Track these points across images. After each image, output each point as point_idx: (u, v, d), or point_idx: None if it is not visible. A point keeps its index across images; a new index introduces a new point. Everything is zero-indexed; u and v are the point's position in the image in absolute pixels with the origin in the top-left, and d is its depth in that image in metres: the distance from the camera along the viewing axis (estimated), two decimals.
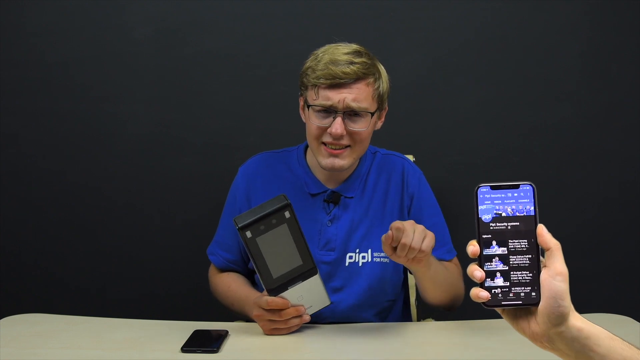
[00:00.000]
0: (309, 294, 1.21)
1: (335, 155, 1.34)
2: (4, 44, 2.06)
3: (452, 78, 2.03)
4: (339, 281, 1.40)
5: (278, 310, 1.21)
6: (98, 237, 2.12)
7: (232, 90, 2.06)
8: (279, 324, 1.23)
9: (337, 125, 1.30)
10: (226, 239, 1.50)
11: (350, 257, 1.40)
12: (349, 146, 1.34)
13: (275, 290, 1.18)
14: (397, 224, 1.17)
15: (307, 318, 1.25)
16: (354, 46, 1.36)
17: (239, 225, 1.12)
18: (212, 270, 1.54)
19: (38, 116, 2.09)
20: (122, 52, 2.06)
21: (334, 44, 1.36)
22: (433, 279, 1.33)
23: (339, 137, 1.31)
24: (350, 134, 1.33)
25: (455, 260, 1.50)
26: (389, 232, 1.17)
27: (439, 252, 1.47)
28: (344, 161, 1.35)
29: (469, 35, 2.01)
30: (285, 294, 1.19)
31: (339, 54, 1.32)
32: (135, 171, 2.09)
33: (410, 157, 1.74)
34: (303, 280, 1.18)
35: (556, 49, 2.00)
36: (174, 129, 2.08)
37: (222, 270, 1.52)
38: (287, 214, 1.13)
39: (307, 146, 1.48)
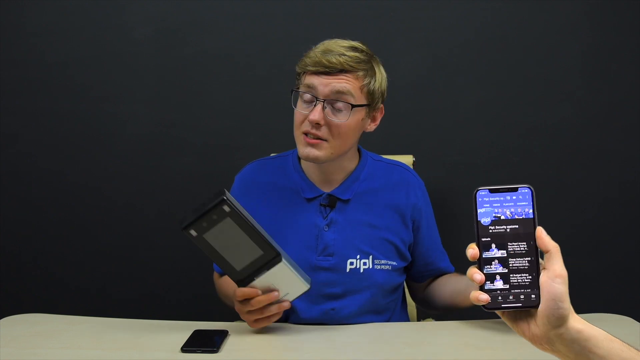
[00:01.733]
0: (281, 282, 1.19)
1: (312, 145, 1.31)
2: (4, 44, 2.07)
3: (452, 78, 2.03)
4: (341, 288, 1.38)
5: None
6: (98, 237, 2.12)
7: (232, 90, 2.06)
8: (255, 314, 1.22)
9: (315, 112, 1.28)
10: None
11: (351, 264, 1.38)
12: (326, 140, 1.32)
13: (243, 282, 1.18)
14: None
15: (286, 305, 1.22)
16: (355, 43, 1.35)
17: (181, 226, 1.12)
18: (216, 276, 1.54)
19: (38, 116, 2.09)
20: (122, 52, 2.06)
21: (335, 39, 1.36)
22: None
23: (316, 124, 1.29)
24: (329, 126, 1.30)
25: None
26: None
27: (443, 264, 1.49)
28: (320, 152, 1.32)
29: (469, 35, 2.01)
30: (253, 284, 1.18)
31: (334, 46, 1.32)
32: (135, 171, 2.10)
33: (410, 157, 1.73)
34: (268, 269, 1.17)
35: (556, 49, 2.01)
36: (174, 129, 2.08)
37: (222, 275, 1.51)
38: (226, 208, 1.11)
39: None
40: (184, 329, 1.25)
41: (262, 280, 1.18)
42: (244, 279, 1.18)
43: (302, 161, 1.45)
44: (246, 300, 1.20)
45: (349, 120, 1.31)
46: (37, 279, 2.15)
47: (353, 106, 1.31)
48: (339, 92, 1.29)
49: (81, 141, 2.09)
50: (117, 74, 2.07)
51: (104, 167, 2.10)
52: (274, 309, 1.22)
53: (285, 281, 1.20)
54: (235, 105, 2.06)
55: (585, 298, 2.06)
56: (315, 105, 1.30)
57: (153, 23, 2.04)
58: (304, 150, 1.33)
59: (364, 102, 1.33)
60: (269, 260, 1.16)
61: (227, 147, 2.07)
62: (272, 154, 1.62)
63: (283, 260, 1.16)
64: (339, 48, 1.31)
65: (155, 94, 2.07)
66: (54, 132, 2.10)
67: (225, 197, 1.11)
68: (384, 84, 1.38)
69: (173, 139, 2.08)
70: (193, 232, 1.12)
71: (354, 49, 1.33)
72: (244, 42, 2.04)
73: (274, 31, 2.02)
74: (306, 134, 1.32)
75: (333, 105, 1.30)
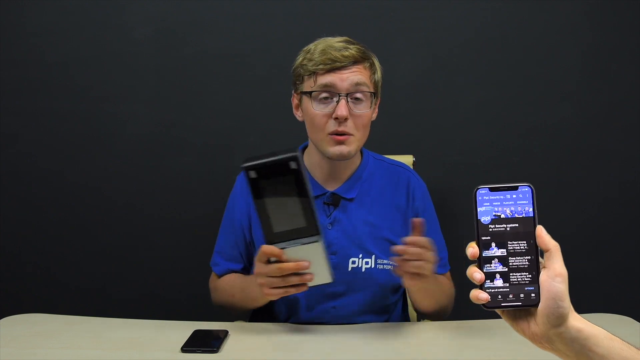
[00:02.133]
0: (310, 262, 1.15)
1: (342, 142, 1.33)
2: (4, 44, 2.07)
3: (452, 78, 2.03)
4: (342, 286, 1.38)
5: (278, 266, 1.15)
6: (98, 237, 2.12)
7: (232, 90, 2.06)
8: (276, 280, 1.16)
9: (342, 108, 1.30)
10: (228, 249, 1.48)
11: (353, 262, 1.38)
12: (352, 135, 1.33)
13: (272, 242, 1.13)
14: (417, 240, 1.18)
15: (305, 286, 1.17)
16: (345, 37, 1.37)
17: (245, 165, 1.09)
18: (213, 279, 1.52)
19: (38, 116, 2.09)
20: (122, 52, 2.06)
21: (323, 38, 1.38)
22: (425, 291, 1.33)
23: (345, 120, 1.31)
24: (354, 119, 1.32)
25: (448, 274, 1.50)
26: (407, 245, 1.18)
27: (438, 269, 1.45)
28: (350, 147, 1.34)
29: (469, 35, 2.01)
30: (283, 252, 1.14)
31: (332, 42, 1.35)
32: (135, 171, 2.10)
33: (410, 157, 1.73)
34: (303, 244, 1.13)
35: (556, 49, 2.00)
36: (174, 129, 2.08)
37: (221, 275, 1.50)
38: (292, 165, 1.09)
39: (303, 149, 1.47)
40: (184, 329, 1.26)
41: (292, 251, 1.14)
42: (275, 242, 1.13)
43: (305, 159, 1.45)
44: (267, 262, 1.15)
45: (370, 110, 1.35)
46: (37, 279, 2.14)
47: (373, 95, 1.34)
48: (358, 84, 1.32)
49: (81, 141, 2.09)
50: (117, 74, 2.07)
51: (104, 167, 2.10)
52: (294, 280, 1.16)
53: (314, 264, 1.15)
54: (235, 105, 2.06)
55: (585, 298, 2.05)
56: (338, 102, 1.31)
57: (153, 23, 2.04)
58: (334, 149, 1.34)
59: (373, 91, 1.36)
60: (308, 236, 1.12)
61: (227, 147, 2.07)
62: None
63: (321, 241, 1.13)
64: (339, 44, 1.34)
65: (155, 94, 2.07)
66: (54, 132, 2.10)
67: (297, 155, 1.09)
68: (381, 73, 1.41)
69: (173, 139, 2.08)
70: (253, 174, 1.09)
71: (350, 42, 1.36)
72: (244, 42, 2.04)
73: (274, 31, 2.02)
74: (334, 134, 1.32)
75: (353, 98, 1.33)
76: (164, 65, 2.06)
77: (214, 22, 2.04)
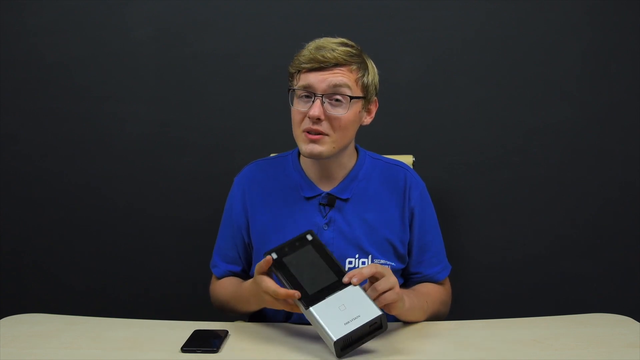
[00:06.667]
0: (352, 304, 1.17)
1: (314, 141, 1.32)
2: (4, 44, 2.07)
3: (452, 78, 2.03)
4: None
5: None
6: (98, 237, 2.13)
7: (232, 90, 2.06)
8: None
9: (315, 108, 1.30)
10: (226, 250, 1.48)
11: (350, 262, 1.38)
12: (327, 135, 1.33)
13: (312, 302, 1.17)
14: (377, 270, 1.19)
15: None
16: (343, 39, 1.37)
17: (266, 251, 1.22)
18: (213, 282, 1.53)
19: (38, 116, 2.09)
20: (122, 52, 2.06)
21: (324, 37, 1.38)
22: (408, 315, 1.33)
23: (317, 119, 1.30)
24: (330, 120, 1.32)
25: (446, 280, 1.48)
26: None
27: (431, 271, 1.45)
28: (323, 147, 1.33)
29: (469, 35, 2.01)
30: (322, 303, 1.17)
31: (325, 42, 1.35)
32: (135, 171, 2.10)
33: (410, 157, 1.73)
34: (340, 290, 1.18)
35: (556, 49, 2.01)
36: (174, 129, 2.08)
37: (220, 278, 1.51)
38: (309, 237, 1.22)
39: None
40: (184, 329, 1.26)
41: (332, 300, 1.17)
42: (315, 303, 1.18)
43: (301, 160, 1.45)
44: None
45: (348, 113, 1.33)
46: (37, 279, 2.15)
47: (351, 98, 1.33)
48: (336, 86, 1.31)
49: (81, 141, 2.10)
50: (117, 74, 2.07)
51: (104, 167, 2.10)
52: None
53: (357, 304, 1.18)
54: (235, 105, 2.07)
55: (585, 298, 2.07)
56: (314, 101, 1.31)
57: (153, 23, 2.05)
58: (306, 147, 1.34)
59: (360, 94, 1.35)
60: (341, 286, 1.18)
61: (227, 147, 2.07)
62: (272, 154, 1.62)
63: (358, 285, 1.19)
64: (330, 44, 1.34)
65: (155, 94, 2.08)
66: (54, 132, 2.10)
67: (311, 230, 1.24)
68: (376, 78, 1.40)
69: (173, 139, 2.08)
70: (274, 255, 1.21)
71: (344, 44, 1.35)
72: (244, 42, 2.04)
73: (274, 31, 2.03)
74: (308, 131, 1.32)
75: (331, 99, 1.32)
76: (164, 65, 2.06)
77: (214, 22, 2.04)
